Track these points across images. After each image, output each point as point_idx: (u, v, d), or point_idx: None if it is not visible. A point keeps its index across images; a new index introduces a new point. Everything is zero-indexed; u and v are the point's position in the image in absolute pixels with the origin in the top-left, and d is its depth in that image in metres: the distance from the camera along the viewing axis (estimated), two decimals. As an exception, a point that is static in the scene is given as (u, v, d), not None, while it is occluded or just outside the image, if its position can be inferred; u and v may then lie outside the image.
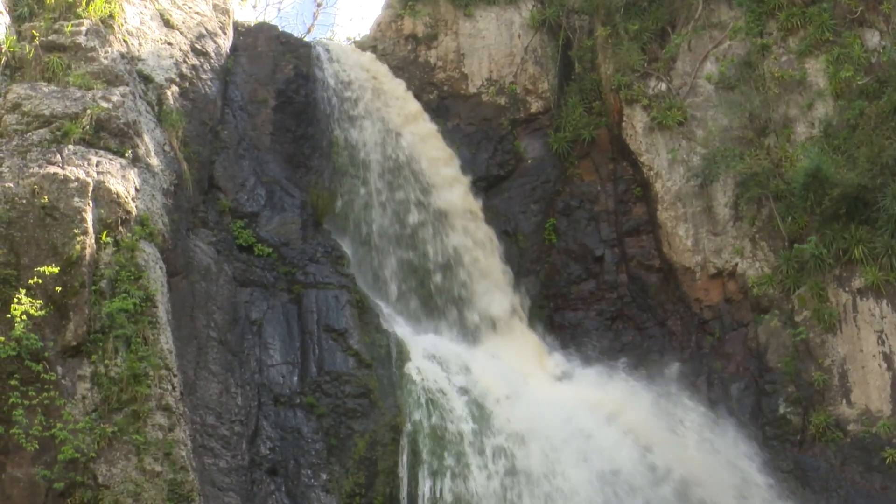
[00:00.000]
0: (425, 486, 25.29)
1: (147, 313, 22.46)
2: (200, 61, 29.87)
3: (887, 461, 26.62)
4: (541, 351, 31.44)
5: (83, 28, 26.30)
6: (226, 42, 31.88)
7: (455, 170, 34.06)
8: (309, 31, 50.78)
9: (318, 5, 52.68)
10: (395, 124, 34.19)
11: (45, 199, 22.13)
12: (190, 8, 30.87)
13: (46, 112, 24.22)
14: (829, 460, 27.30)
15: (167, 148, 26.72)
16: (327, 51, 34.76)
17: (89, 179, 22.85)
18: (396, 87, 35.26)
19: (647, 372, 30.26)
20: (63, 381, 21.14)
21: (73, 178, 22.64)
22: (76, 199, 22.37)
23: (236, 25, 33.60)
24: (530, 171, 34.84)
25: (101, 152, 24.07)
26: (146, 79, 27.70)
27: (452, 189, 33.59)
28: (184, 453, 21.36)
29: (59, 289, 21.45)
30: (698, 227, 31.89)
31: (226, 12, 32.52)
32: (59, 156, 23.29)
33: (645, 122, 33.39)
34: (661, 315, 32.28)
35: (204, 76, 29.72)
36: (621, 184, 34.11)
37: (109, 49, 26.42)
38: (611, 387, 29.47)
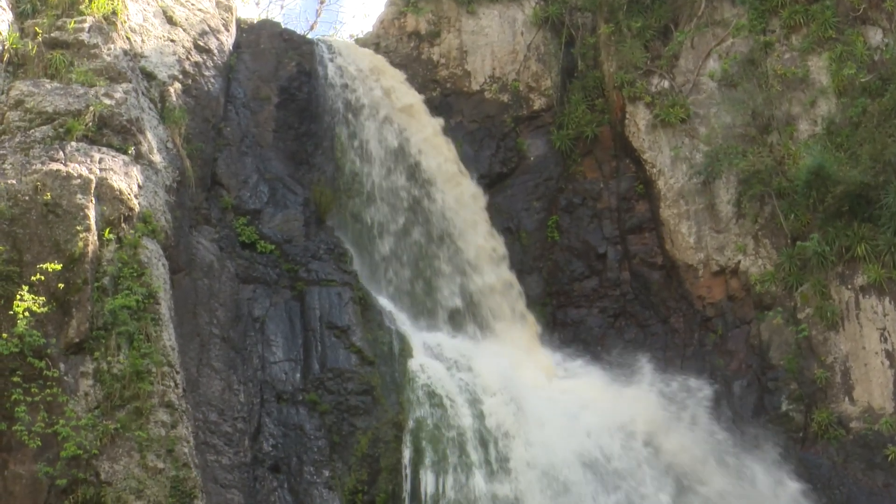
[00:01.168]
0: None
1: (150, 310, 22.49)
2: (203, 58, 29.88)
3: (889, 458, 26.63)
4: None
5: (86, 25, 26.32)
6: (229, 39, 31.90)
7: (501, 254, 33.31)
8: (312, 28, 50.84)
9: (321, 2, 52.75)
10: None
11: (48, 196, 22.15)
12: (193, 5, 30.88)
13: (49, 109, 24.25)
14: (831, 458, 27.31)
15: (170, 145, 26.73)
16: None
17: (92, 176, 22.87)
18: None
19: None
20: (65, 377, 21.15)
21: (75, 174, 22.66)
22: (79, 195, 22.39)
23: (239, 22, 33.62)
24: (533, 169, 34.87)
25: (104, 149, 24.09)
26: (149, 76, 27.72)
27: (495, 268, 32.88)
28: (186, 450, 21.38)
29: (61, 286, 21.46)
30: (701, 224, 31.90)
31: (229, 9, 32.54)
32: (61, 153, 23.31)
33: (648, 120, 33.40)
34: (663, 312, 32.29)
35: (207, 73, 29.73)
36: (624, 181, 34.13)
37: (112, 46, 26.44)
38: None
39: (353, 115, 33.25)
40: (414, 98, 34.62)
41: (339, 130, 32.92)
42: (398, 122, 33.63)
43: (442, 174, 33.32)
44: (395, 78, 34.87)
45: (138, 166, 24.60)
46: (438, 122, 34.34)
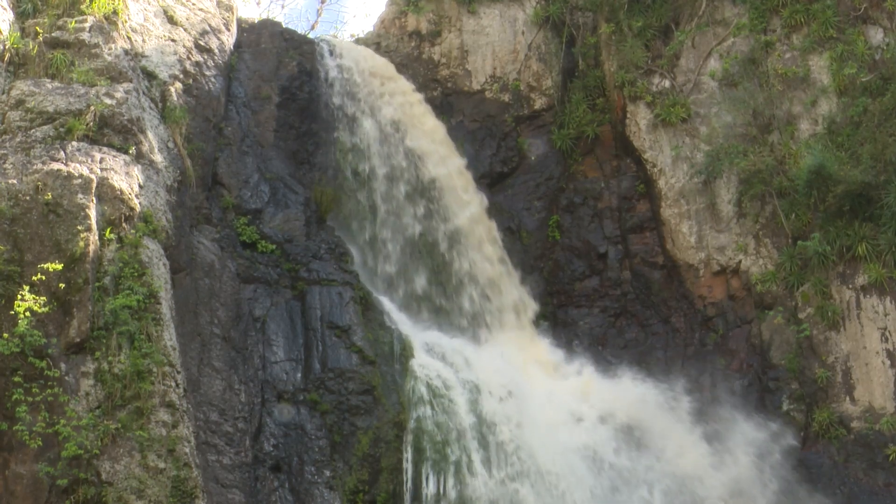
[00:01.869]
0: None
1: (150, 310, 22.49)
2: (204, 58, 29.86)
3: (891, 458, 26.63)
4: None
5: (87, 24, 26.31)
6: (229, 39, 31.87)
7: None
8: (313, 27, 50.77)
9: (322, 2, 52.64)
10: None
11: (49, 196, 22.15)
12: (194, 4, 30.87)
13: (50, 109, 24.25)
14: (832, 457, 27.30)
15: (171, 144, 26.73)
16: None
17: (93, 176, 22.87)
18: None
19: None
20: (66, 377, 21.16)
21: (76, 174, 22.66)
22: (80, 195, 22.39)
23: (240, 22, 33.60)
24: (534, 168, 34.84)
25: (105, 149, 24.10)
26: (150, 75, 27.70)
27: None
28: (187, 450, 21.38)
29: (62, 285, 21.47)
30: (702, 223, 31.89)
31: (229, 9, 32.52)
32: (62, 152, 23.31)
33: (648, 119, 33.39)
34: (664, 312, 32.28)
35: (207, 73, 29.72)
36: (625, 181, 34.12)
37: (113, 45, 26.44)
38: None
39: (368, 190, 31.25)
40: (453, 164, 32.37)
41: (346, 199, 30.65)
42: (426, 200, 31.65)
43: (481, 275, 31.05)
44: (432, 134, 33.15)
45: (139, 166, 24.60)
46: (482, 201, 32.20)
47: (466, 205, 32.42)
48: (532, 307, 31.92)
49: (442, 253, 31.40)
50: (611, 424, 27.97)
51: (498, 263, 31.74)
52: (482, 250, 31.77)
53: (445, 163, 32.80)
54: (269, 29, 34.35)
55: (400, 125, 32.90)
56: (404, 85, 34.14)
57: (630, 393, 28.78)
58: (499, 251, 31.89)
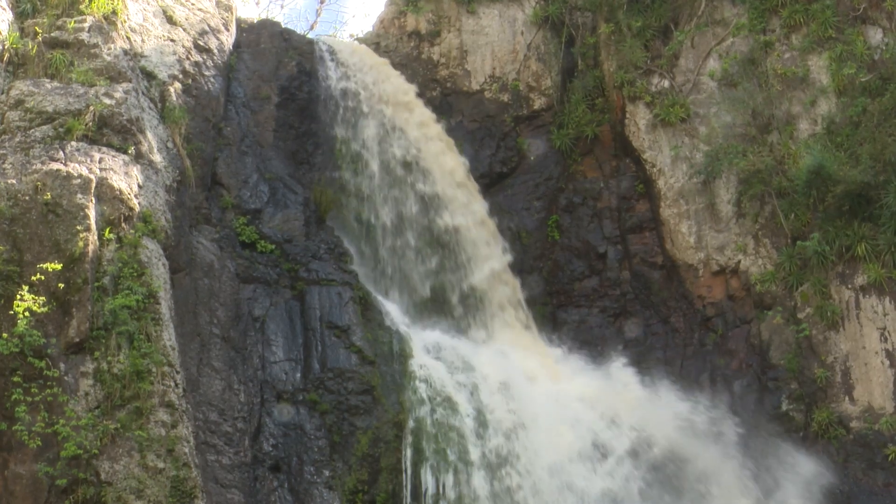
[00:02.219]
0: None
1: (150, 310, 22.50)
2: (203, 58, 29.87)
3: (890, 458, 26.61)
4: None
5: (86, 24, 26.33)
6: (229, 39, 31.88)
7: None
8: (312, 27, 50.76)
9: (322, 2, 52.63)
10: None
11: (48, 196, 22.16)
12: (193, 4, 30.88)
13: (49, 109, 24.26)
14: (831, 457, 27.28)
15: (170, 145, 26.73)
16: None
17: (92, 176, 22.88)
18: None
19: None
20: (66, 377, 21.16)
21: (75, 174, 22.67)
22: (79, 195, 22.39)
23: (239, 22, 33.60)
24: (533, 168, 34.83)
25: (104, 149, 24.11)
26: (149, 75, 27.72)
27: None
28: (186, 450, 21.38)
29: (61, 285, 21.47)
30: (701, 223, 31.89)
31: (229, 9, 32.53)
32: (61, 152, 23.32)
33: (648, 119, 33.39)
34: (664, 312, 32.28)
35: (207, 73, 29.72)
36: (624, 181, 34.12)
37: (112, 45, 26.45)
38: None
39: (371, 240, 30.22)
40: (474, 212, 30.97)
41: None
42: (441, 251, 30.46)
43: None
44: (451, 175, 32.13)
45: (138, 166, 24.61)
46: (504, 252, 30.71)
47: (487, 259, 31.22)
48: (557, 370, 29.84)
49: (456, 319, 30.42)
50: (643, 458, 26.79)
51: (523, 331, 30.40)
52: (504, 315, 30.53)
53: (465, 210, 31.43)
54: (268, 29, 34.35)
55: (413, 166, 31.98)
56: (422, 114, 33.31)
57: (667, 412, 27.48)
58: (523, 316, 30.35)
